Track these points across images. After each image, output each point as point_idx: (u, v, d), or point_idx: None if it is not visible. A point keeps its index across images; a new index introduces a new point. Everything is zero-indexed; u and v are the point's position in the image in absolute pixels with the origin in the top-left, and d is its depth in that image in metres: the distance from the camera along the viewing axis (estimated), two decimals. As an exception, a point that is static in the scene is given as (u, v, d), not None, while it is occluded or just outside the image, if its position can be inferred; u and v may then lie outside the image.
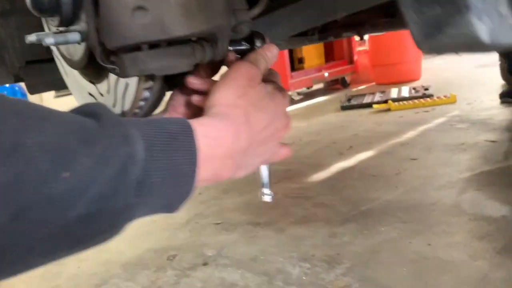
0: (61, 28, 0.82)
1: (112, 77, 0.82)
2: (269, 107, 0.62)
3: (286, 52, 4.27)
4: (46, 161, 0.35)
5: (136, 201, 0.42)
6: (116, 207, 0.40)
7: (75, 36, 0.74)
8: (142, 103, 0.82)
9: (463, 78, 4.20)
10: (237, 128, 0.57)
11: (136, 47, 0.72)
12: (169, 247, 1.59)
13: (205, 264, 1.43)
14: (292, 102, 4.47)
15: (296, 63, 4.72)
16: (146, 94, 0.79)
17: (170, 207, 0.49)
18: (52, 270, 1.55)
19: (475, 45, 0.30)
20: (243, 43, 0.79)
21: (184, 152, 0.48)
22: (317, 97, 4.68)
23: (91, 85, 0.89)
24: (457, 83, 3.92)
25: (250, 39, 0.80)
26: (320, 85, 5.28)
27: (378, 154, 2.30)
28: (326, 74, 4.60)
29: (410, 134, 2.58)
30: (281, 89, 0.69)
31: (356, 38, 4.99)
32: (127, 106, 0.84)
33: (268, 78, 0.69)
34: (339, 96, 4.25)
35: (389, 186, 1.81)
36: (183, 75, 0.81)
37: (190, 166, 0.48)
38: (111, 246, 1.52)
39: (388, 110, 3.36)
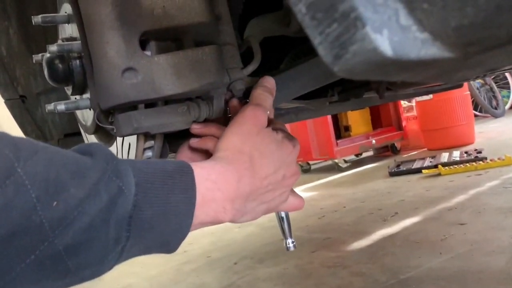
0: (77, 96, 0.87)
1: (119, 139, 0.85)
2: (275, 154, 0.62)
3: (330, 120, 4.28)
4: (36, 189, 0.36)
5: (127, 235, 0.42)
6: (106, 239, 0.40)
7: (86, 102, 0.79)
8: (145, 163, 0.83)
9: (520, 139, 3.98)
10: (240, 173, 0.56)
11: (133, 107, 0.75)
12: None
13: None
14: (339, 170, 4.40)
15: (342, 131, 4.70)
16: (148, 153, 0.81)
17: (166, 245, 0.48)
18: None
19: (381, 62, 0.28)
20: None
21: (181, 191, 0.47)
22: (366, 164, 4.58)
23: (106, 150, 0.93)
24: (513, 145, 3.71)
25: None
26: (369, 153, 5.19)
27: (424, 219, 2.17)
28: (373, 141, 4.52)
29: (459, 198, 2.42)
30: (290, 138, 0.68)
31: (403, 104, 4.94)
32: (130, 166, 0.86)
33: (276, 126, 0.69)
34: (389, 162, 4.13)
35: (433, 252, 1.68)
36: (186, 135, 0.82)
37: (187, 205, 0.47)
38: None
39: (439, 175, 3.21)
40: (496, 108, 6.06)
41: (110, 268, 0.43)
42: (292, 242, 0.76)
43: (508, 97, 6.49)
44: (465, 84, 4.30)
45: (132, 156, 0.82)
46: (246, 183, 0.56)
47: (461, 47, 0.28)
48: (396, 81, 0.35)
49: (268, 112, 0.66)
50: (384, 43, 0.27)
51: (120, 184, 0.41)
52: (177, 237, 0.47)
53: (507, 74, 6.34)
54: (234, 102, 0.77)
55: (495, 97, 6.11)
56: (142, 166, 0.46)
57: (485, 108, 6.01)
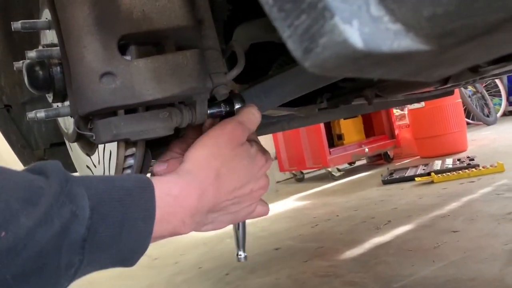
0: (59, 104, 0.85)
1: (100, 146, 0.83)
2: (245, 169, 0.61)
3: (322, 129, 4.28)
4: None
5: (80, 258, 0.41)
6: (57, 265, 0.39)
7: (66, 110, 0.77)
8: (128, 171, 0.81)
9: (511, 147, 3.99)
10: (203, 188, 0.56)
11: (113, 113, 0.73)
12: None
13: None
14: (333, 178, 4.38)
15: (335, 140, 4.70)
16: (130, 161, 0.79)
17: (124, 262, 0.47)
18: None
19: (352, 55, 0.26)
20: (222, 105, 0.78)
21: (139, 208, 0.47)
22: (359, 172, 4.56)
23: (87, 158, 0.91)
24: (505, 152, 3.71)
25: (229, 101, 0.79)
26: (362, 161, 5.18)
27: (417, 227, 2.15)
28: (366, 150, 4.52)
29: (452, 205, 2.41)
30: (263, 151, 0.67)
31: (396, 112, 4.95)
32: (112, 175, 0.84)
33: (250, 138, 0.68)
34: (382, 171, 4.12)
35: (426, 261, 1.66)
36: (169, 142, 0.80)
37: (145, 223, 0.47)
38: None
39: (432, 182, 3.20)
40: (488, 116, 6.09)
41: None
42: (244, 254, 0.75)
43: (500, 104, 6.53)
44: (457, 91, 4.32)
45: (113, 163, 0.80)
46: (209, 198, 0.56)
47: (435, 38, 0.27)
48: (373, 78, 0.33)
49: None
50: (354, 34, 0.26)
51: (74, 209, 0.41)
52: (136, 254, 0.47)
53: (498, 82, 6.38)
54: (207, 123, 0.75)
55: (486, 104, 6.14)
56: (99, 185, 0.45)
57: (477, 116, 6.03)
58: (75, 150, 0.98)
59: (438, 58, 0.31)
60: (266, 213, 0.68)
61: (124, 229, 0.45)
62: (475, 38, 0.26)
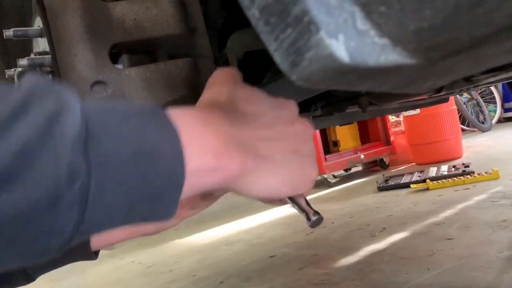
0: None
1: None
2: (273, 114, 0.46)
3: (318, 136, 4.28)
4: None
5: (86, 168, 0.28)
6: (53, 168, 0.27)
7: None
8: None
9: (507, 153, 4.00)
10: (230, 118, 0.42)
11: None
12: None
13: None
14: (328, 185, 4.38)
15: (331, 146, 4.70)
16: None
17: (156, 202, 0.32)
18: None
19: (339, 69, 0.26)
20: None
21: (156, 129, 0.33)
22: (355, 179, 4.56)
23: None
24: (500, 159, 3.72)
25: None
26: (358, 168, 5.18)
27: (412, 235, 2.15)
28: (362, 156, 4.52)
29: (447, 213, 2.41)
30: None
31: (391, 119, 4.96)
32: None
33: None
34: (377, 177, 4.12)
35: (420, 268, 1.65)
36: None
37: (170, 143, 0.33)
38: None
39: (427, 189, 3.21)
40: (483, 123, 6.11)
41: (72, 222, 0.28)
42: (316, 215, 0.50)
43: (495, 111, 6.56)
44: (452, 98, 4.34)
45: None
46: (241, 127, 0.41)
47: (422, 52, 0.27)
48: (361, 90, 0.33)
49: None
50: (340, 48, 0.26)
51: (61, 101, 0.28)
52: (171, 187, 0.33)
53: (493, 89, 6.42)
54: None
55: (482, 111, 6.17)
56: (94, 105, 0.32)
57: (472, 123, 6.06)
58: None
59: (426, 71, 0.31)
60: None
61: (142, 149, 0.31)
62: (462, 51, 0.26)
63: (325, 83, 0.29)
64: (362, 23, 0.26)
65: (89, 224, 0.29)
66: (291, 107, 0.48)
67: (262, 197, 0.44)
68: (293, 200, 0.50)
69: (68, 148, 0.27)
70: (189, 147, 0.34)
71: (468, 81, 0.97)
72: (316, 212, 0.51)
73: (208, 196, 0.56)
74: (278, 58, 0.28)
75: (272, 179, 0.42)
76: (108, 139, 0.29)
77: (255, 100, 0.45)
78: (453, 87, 1.19)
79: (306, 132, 0.47)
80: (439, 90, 1.22)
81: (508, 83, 6.35)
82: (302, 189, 0.48)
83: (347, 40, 0.26)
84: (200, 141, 0.35)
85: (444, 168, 3.65)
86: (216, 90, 0.46)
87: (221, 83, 0.47)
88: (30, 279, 0.61)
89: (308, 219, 0.50)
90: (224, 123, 0.39)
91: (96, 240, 0.59)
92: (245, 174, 0.39)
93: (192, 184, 0.34)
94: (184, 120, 0.35)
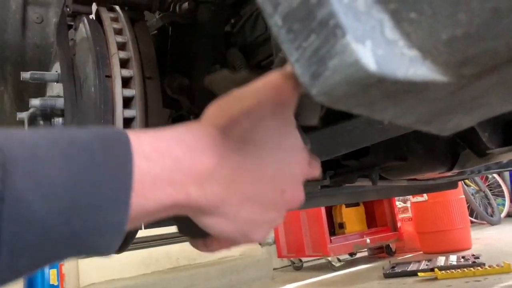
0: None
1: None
2: (283, 156, 0.40)
3: (324, 216, 4.20)
4: None
5: None
6: None
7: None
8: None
9: (518, 247, 3.87)
10: (223, 153, 0.37)
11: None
12: None
13: None
14: (332, 268, 4.21)
15: (336, 228, 4.59)
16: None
17: (81, 248, 0.29)
18: None
19: (364, 80, 0.25)
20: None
21: (102, 168, 0.30)
22: (360, 264, 4.40)
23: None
24: (511, 253, 3.59)
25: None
26: (364, 253, 5.02)
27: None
28: (368, 240, 4.39)
29: (458, 304, 2.27)
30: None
31: (398, 204, 4.89)
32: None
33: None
34: (383, 264, 3.97)
35: None
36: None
37: (116, 186, 0.30)
38: None
39: (435, 279, 3.06)
40: (491, 216, 5.99)
41: None
42: None
43: (503, 205, 6.46)
44: (460, 187, 4.30)
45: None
46: (230, 166, 0.36)
47: (454, 67, 0.25)
48: (383, 120, 0.30)
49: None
50: (367, 55, 0.24)
51: None
52: (101, 237, 0.30)
53: (500, 182, 6.37)
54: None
55: (490, 204, 6.08)
56: (27, 135, 0.29)
57: (480, 215, 5.94)
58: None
59: (454, 100, 0.29)
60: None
61: (72, 191, 0.28)
62: (497, 68, 0.24)
63: (347, 101, 0.27)
64: (390, 32, 0.25)
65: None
66: (309, 170, 0.43)
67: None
68: None
69: None
70: (140, 194, 0.31)
71: (481, 156, 0.95)
72: None
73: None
74: (299, 69, 0.27)
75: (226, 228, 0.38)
76: (29, 190, 0.27)
77: (276, 143, 0.39)
78: (465, 165, 1.17)
79: (293, 204, 0.42)
80: (451, 167, 1.20)
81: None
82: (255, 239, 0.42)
83: (375, 47, 0.24)
84: (156, 193, 0.32)
85: (453, 258, 3.52)
86: (248, 109, 0.37)
87: (259, 97, 0.37)
88: None
89: None
90: (209, 164, 0.35)
91: None
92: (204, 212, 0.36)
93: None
94: (146, 163, 0.32)
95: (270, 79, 0.38)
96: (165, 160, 0.33)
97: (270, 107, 0.37)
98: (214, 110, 0.38)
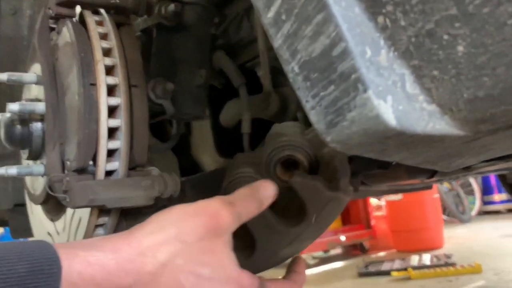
0: (30, 162, 0.80)
1: (69, 212, 0.77)
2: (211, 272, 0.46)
3: (300, 214, 4.22)
4: None
5: None
6: None
7: (40, 168, 0.72)
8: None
9: (488, 247, 3.98)
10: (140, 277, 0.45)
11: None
12: None
13: None
14: (307, 266, 4.25)
15: (311, 226, 4.63)
16: (100, 231, 0.72)
17: None
18: None
19: (383, 133, 0.24)
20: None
21: None
22: (334, 261, 4.45)
23: (51, 224, 0.84)
24: (482, 252, 3.70)
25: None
26: (338, 250, 5.07)
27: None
28: (342, 238, 4.45)
29: (431, 304, 2.33)
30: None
31: (372, 202, 4.96)
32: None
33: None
34: (357, 261, 4.03)
35: None
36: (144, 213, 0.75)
37: None
38: None
39: (409, 278, 3.13)
40: (462, 213, 6.15)
41: None
42: None
43: (474, 203, 6.63)
44: (435, 187, 4.39)
45: (80, 232, 0.74)
46: None
47: (472, 123, 0.25)
48: (391, 161, 0.30)
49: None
50: (388, 111, 0.24)
51: None
52: None
53: (472, 181, 6.54)
54: None
55: (461, 202, 6.23)
56: None
57: (452, 213, 6.08)
58: (36, 213, 0.91)
59: (465, 147, 0.29)
60: None
61: None
62: (515, 127, 0.24)
63: (360, 149, 0.26)
64: (411, 87, 0.24)
65: None
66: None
67: None
68: None
69: None
70: None
71: (466, 169, 0.97)
72: None
73: None
74: (315, 116, 0.26)
75: None
76: None
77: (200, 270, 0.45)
78: (447, 174, 1.19)
79: None
80: (432, 175, 1.22)
81: (499, 174, 6.50)
82: None
83: (396, 103, 0.24)
84: None
85: (426, 258, 3.59)
86: (170, 234, 0.46)
87: (187, 226, 0.46)
88: None
89: None
90: None
91: None
92: None
93: None
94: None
95: (207, 207, 0.47)
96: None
97: (195, 234, 0.45)
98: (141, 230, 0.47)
